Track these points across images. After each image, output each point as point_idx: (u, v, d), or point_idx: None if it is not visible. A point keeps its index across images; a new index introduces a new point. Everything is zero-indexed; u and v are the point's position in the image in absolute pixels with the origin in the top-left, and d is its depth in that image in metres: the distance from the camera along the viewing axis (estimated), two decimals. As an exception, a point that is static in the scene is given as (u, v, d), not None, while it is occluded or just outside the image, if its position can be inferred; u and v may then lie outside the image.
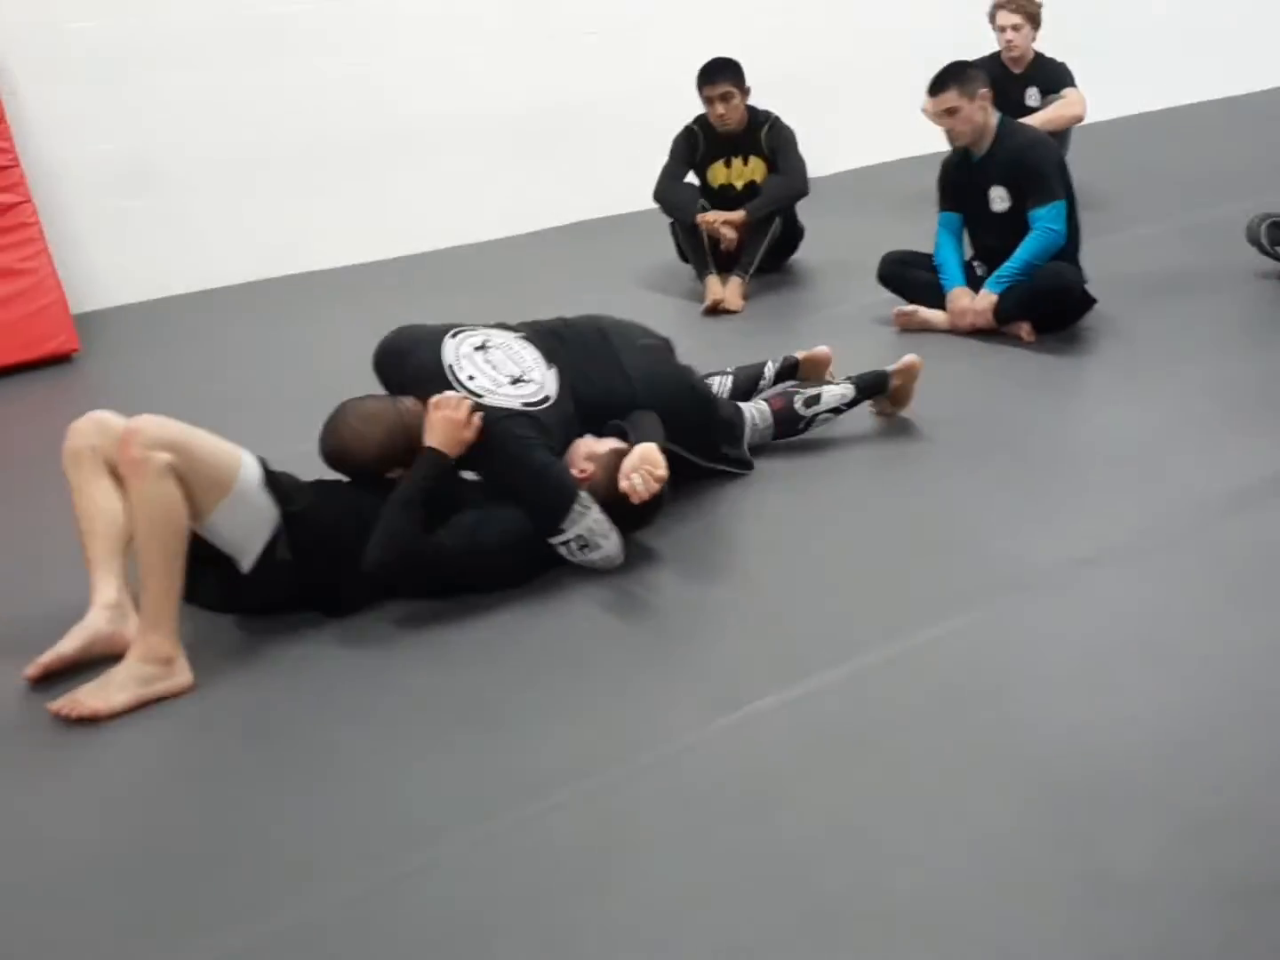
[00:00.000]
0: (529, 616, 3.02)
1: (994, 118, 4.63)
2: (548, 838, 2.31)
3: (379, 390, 3.30)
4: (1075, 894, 2.10)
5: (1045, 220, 4.54)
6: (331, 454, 3.13)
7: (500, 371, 3.25)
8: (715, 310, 5.13)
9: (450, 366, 3.22)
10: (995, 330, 4.66)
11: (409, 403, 3.18)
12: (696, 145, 5.47)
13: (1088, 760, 2.41)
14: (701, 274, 5.31)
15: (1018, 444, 3.87)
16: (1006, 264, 4.60)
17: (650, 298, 5.38)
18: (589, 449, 3.23)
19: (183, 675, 2.75)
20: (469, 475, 3.26)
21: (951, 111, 4.56)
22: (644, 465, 3.07)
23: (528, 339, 3.39)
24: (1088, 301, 4.60)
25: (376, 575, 2.95)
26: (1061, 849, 2.20)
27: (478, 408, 3.13)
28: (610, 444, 3.23)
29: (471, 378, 3.20)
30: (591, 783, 2.44)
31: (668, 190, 5.42)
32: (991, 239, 4.72)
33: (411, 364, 3.26)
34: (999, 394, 4.24)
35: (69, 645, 2.81)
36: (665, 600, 3.07)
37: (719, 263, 5.30)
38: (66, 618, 2.92)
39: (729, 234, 5.25)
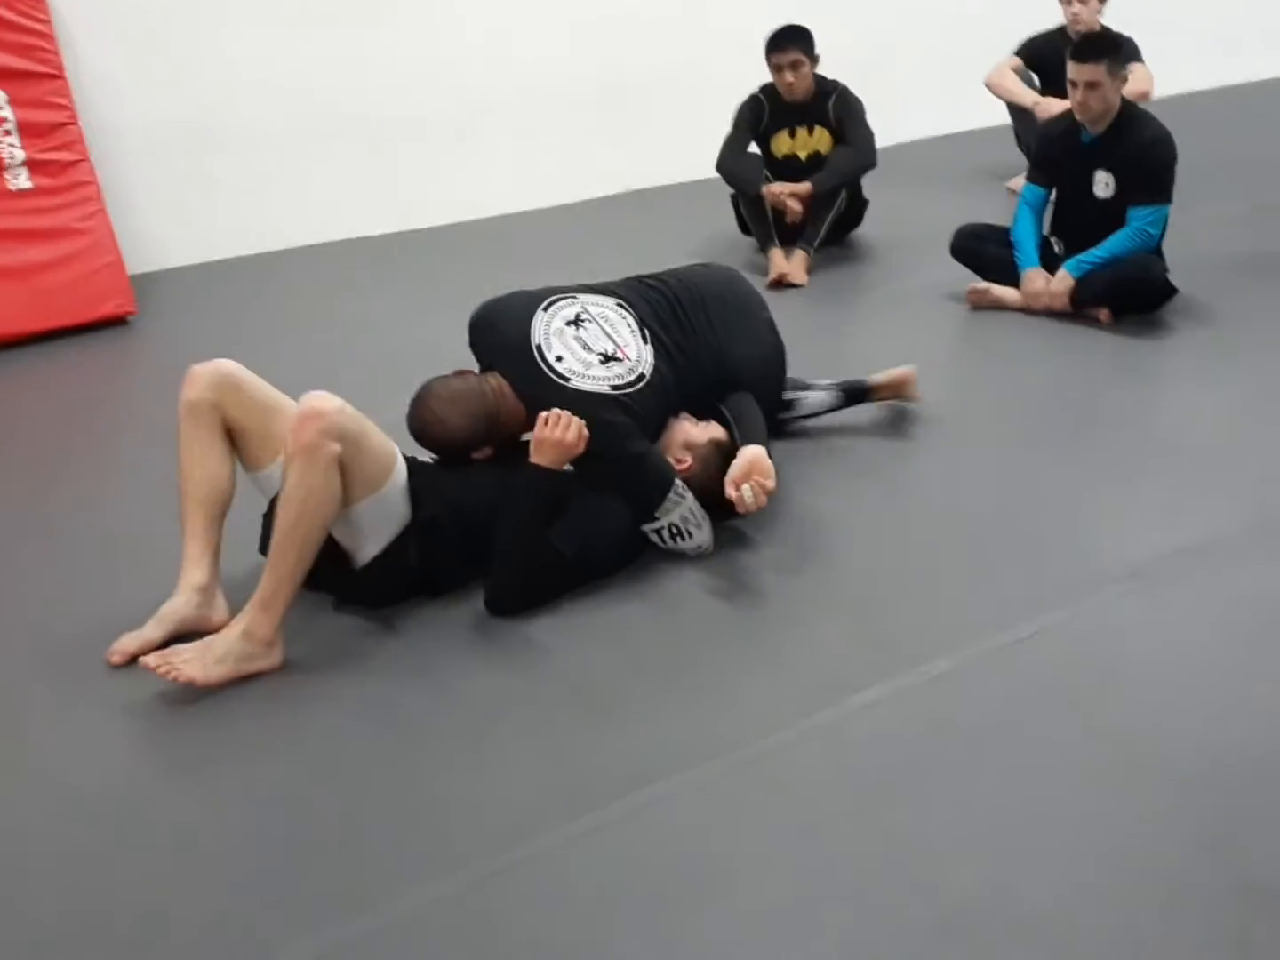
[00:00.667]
0: (624, 603, 2.94)
1: (1118, 98, 4.50)
2: (652, 832, 2.25)
3: (458, 358, 3.21)
4: (1218, 902, 2.04)
5: (1144, 221, 4.45)
6: (417, 433, 3.06)
7: (592, 349, 3.12)
8: (780, 284, 5.05)
9: (539, 346, 3.10)
10: (1070, 312, 4.58)
11: (495, 381, 3.08)
12: (761, 114, 5.36)
13: (1220, 758, 2.34)
14: (765, 246, 5.22)
15: (1104, 429, 3.79)
16: (1093, 251, 4.51)
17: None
18: (686, 436, 3.13)
19: (277, 655, 2.70)
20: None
21: (1093, 85, 4.40)
22: (754, 475, 2.96)
23: (626, 305, 3.26)
24: (1170, 291, 4.50)
25: (501, 614, 2.88)
26: (1201, 853, 2.14)
27: (566, 393, 3.02)
28: (710, 432, 3.14)
29: (560, 358, 3.09)
30: (697, 774, 2.38)
31: (732, 161, 5.32)
32: (1082, 221, 4.60)
33: (498, 340, 3.16)
34: (1080, 376, 4.15)
35: (155, 631, 2.74)
36: (761, 588, 3.00)
37: (783, 235, 5.21)
38: (148, 587, 2.88)
39: (795, 206, 5.16)
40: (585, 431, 2.92)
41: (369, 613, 2.91)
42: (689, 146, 5.95)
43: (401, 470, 2.85)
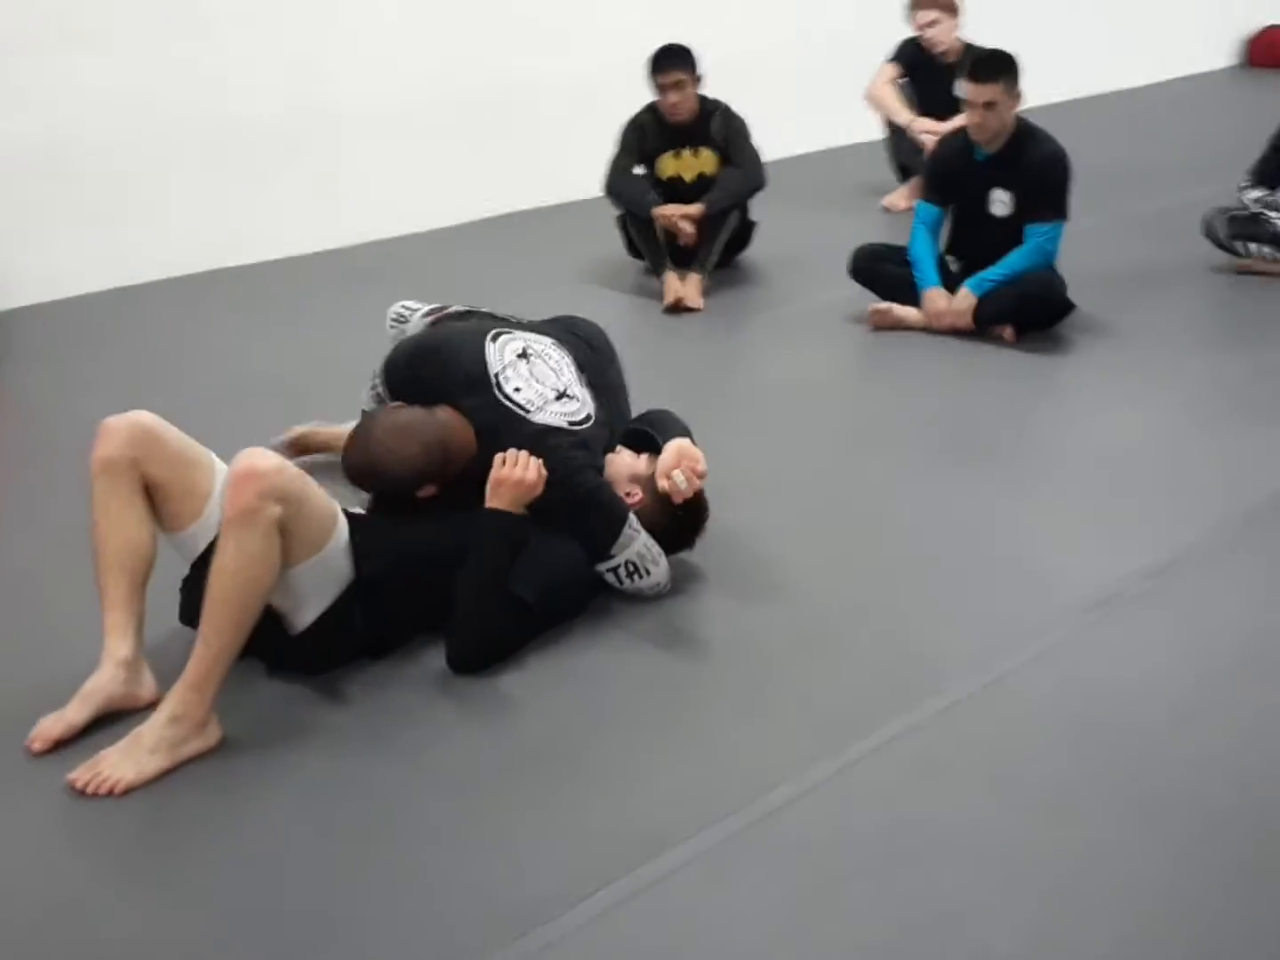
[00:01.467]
0: (588, 651, 2.77)
1: (1013, 117, 4.49)
2: (661, 906, 2.09)
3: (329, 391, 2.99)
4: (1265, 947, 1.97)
5: (1042, 238, 4.47)
6: (359, 471, 2.84)
7: (544, 384, 2.98)
8: (676, 308, 4.93)
9: (496, 375, 2.95)
10: (973, 330, 4.57)
11: (444, 414, 2.89)
12: (645, 136, 5.24)
13: (1241, 788, 2.29)
14: (659, 270, 5.10)
15: (1031, 450, 3.78)
16: (993, 269, 4.52)
17: (603, 294, 5.15)
18: (632, 468, 2.99)
19: (213, 733, 2.45)
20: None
21: (990, 105, 4.39)
22: (684, 460, 2.85)
23: (563, 346, 3.14)
24: (1069, 307, 4.52)
25: (467, 672, 2.68)
26: (1234, 889, 2.07)
27: (527, 427, 2.87)
28: (653, 464, 3.01)
29: (518, 389, 2.94)
30: (699, 843, 2.21)
31: (620, 182, 5.19)
32: (979, 239, 4.61)
33: (455, 370, 2.97)
34: (995, 397, 4.15)
35: (78, 714, 2.46)
36: (727, 630, 2.85)
37: (675, 259, 5.10)
38: (56, 657, 2.62)
39: (687, 228, 5.05)
40: (544, 471, 2.75)
41: (308, 679, 2.68)
42: (573, 167, 5.81)
43: (344, 527, 2.64)
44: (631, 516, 2.89)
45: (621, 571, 2.89)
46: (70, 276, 5.21)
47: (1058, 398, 4.14)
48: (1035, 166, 4.47)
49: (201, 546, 2.63)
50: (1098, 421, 3.94)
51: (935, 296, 4.61)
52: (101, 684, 2.49)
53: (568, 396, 3.00)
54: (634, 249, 5.32)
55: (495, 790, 2.36)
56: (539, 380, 2.99)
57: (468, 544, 2.67)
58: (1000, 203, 4.57)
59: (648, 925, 2.05)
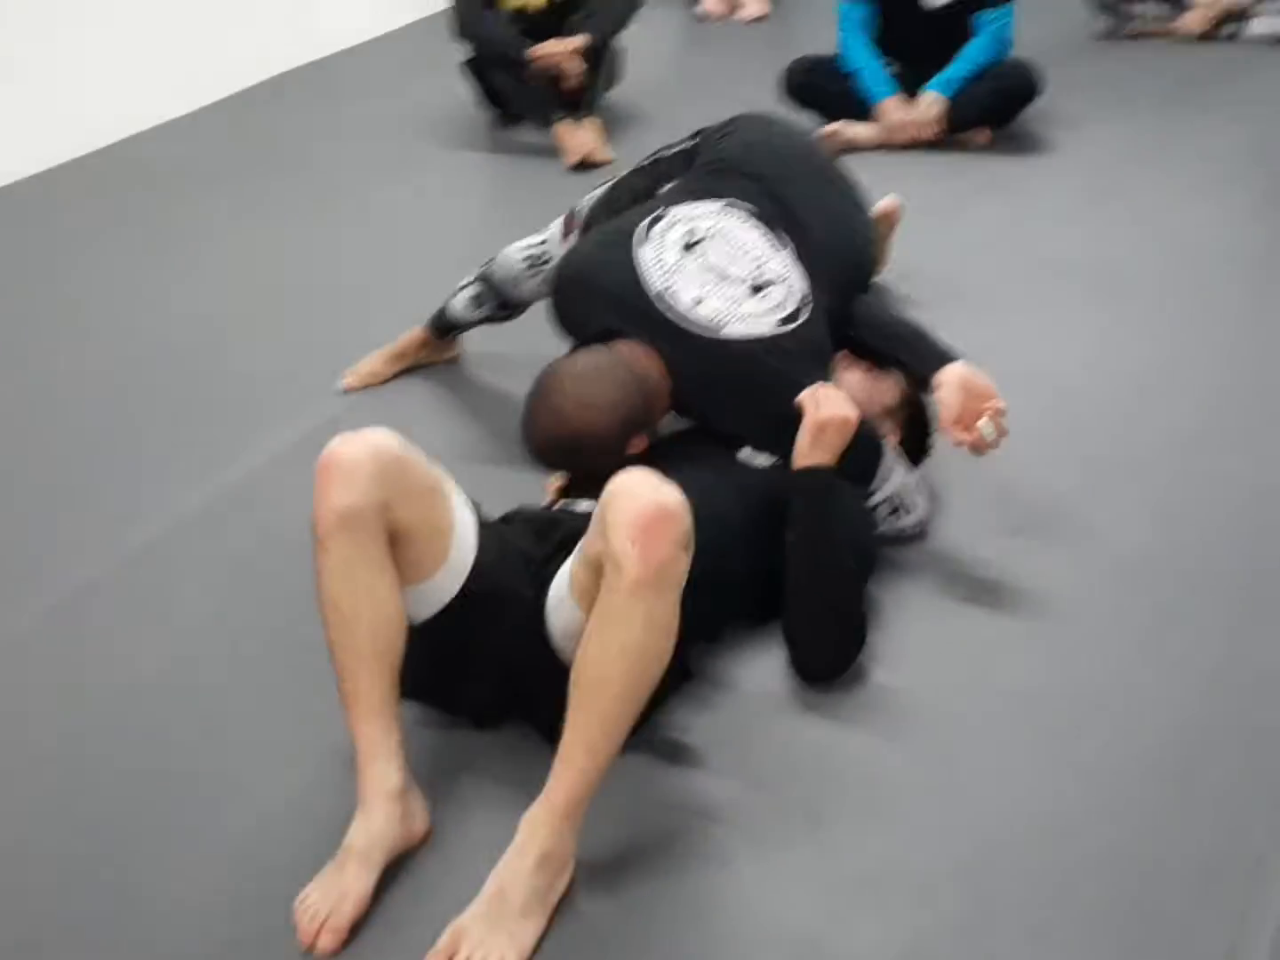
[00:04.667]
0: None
1: None
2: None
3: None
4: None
5: (997, 25, 4.03)
6: (556, 444, 2.12)
7: (731, 280, 2.26)
8: (585, 165, 4.19)
9: (660, 295, 2.23)
10: (939, 141, 4.09)
11: (623, 348, 2.19)
12: (482, -39, 4.38)
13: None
14: (548, 122, 4.29)
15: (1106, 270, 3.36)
16: (954, 66, 4.05)
17: (479, 160, 4.37)
18: (873, 396, 2.34)
19: (571, 861, 1.72)
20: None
21: None
22: (981, 402, 2.20)
23: (737, 205, 2.38)
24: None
25: (830, 678, 2.05)
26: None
27: (727, 350, 2.20)
28: (896, 386, 2.38)
29: (698, 300, 2.22)
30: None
31: (477, 24, 4.30)
32: (918, 38, 4.09)
33: (602, 300, 2.25)
34: (1008, 216, 3.67)
35: (364, 882, 1.68)
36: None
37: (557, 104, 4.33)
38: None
39: (575, 67, 4.27)
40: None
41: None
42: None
43: None
44: (884, 443, 2.30)
45: (884, 509, 2.30)
46: None
47: (1069, 206, 3.72)
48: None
49: (445, 599, 1.87)
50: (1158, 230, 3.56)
51: (893, 107, 4.08)
52: (379, 832, 1.71)
53: (767, 284, 2.28)
54: (493, 99, 4.51)
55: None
56: (723, 276, 2.27)
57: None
58: (936, -8, 4.08)
59: None
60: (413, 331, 3.00)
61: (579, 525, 1.85)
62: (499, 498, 2.12)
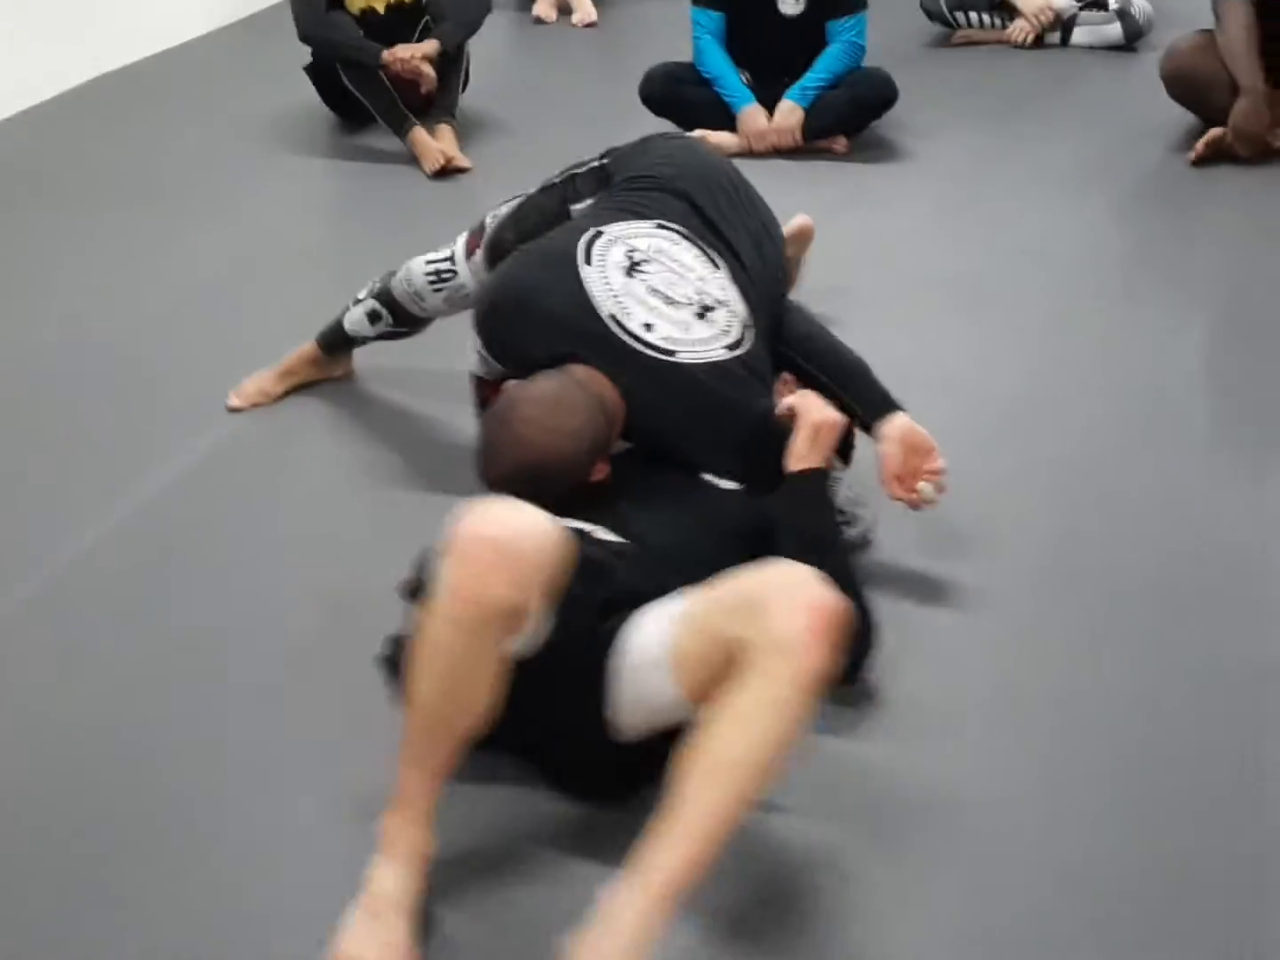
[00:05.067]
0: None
1: None
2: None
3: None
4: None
5: (851, 33, 4.08)
6: (520, 472, 1.99)
7: (677, 304, 2.20)
8: (445, 172, 4.08)
9: (613, 318, 2.16)
10: (798, 148, 4.12)
11: (579, 371, 2.10)
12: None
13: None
14: (402, 128, 4.15)
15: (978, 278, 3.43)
16: (811, 75, 4.09)
17: (330, 168, 4.22)
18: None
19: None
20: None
21: None
22: (920, 458, 2.21)
23: (670, 223, 2.31)
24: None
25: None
26: None
27: (679, 373, 2.14)
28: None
29: (648, 325, 2.16)
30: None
31: (322, 27, 4.15)
32: (768, 46, 4.11)
33: (550, 323, 2.16)
34: (875, 225, 3.72)
35: (400, 936, 1.57)
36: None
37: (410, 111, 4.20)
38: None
39: (429, 71, 4.15)
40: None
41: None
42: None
43: None
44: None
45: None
46: None
47: (925, 206, 3.80)
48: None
49: (535, 642, 1.70)
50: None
51: (753, 114, 4.10)
52: (403, 889, 1.60)
53: (708, 309, 2.22)
54: (337, 104, 4.36)
55: None
56: (669, 299, 2.21)
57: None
58: (792, 1, 4.11)
59: None
60: (301, 348, 2.86)
61: (635, 580, 1.78)
62: (406, 517, 2.04)
